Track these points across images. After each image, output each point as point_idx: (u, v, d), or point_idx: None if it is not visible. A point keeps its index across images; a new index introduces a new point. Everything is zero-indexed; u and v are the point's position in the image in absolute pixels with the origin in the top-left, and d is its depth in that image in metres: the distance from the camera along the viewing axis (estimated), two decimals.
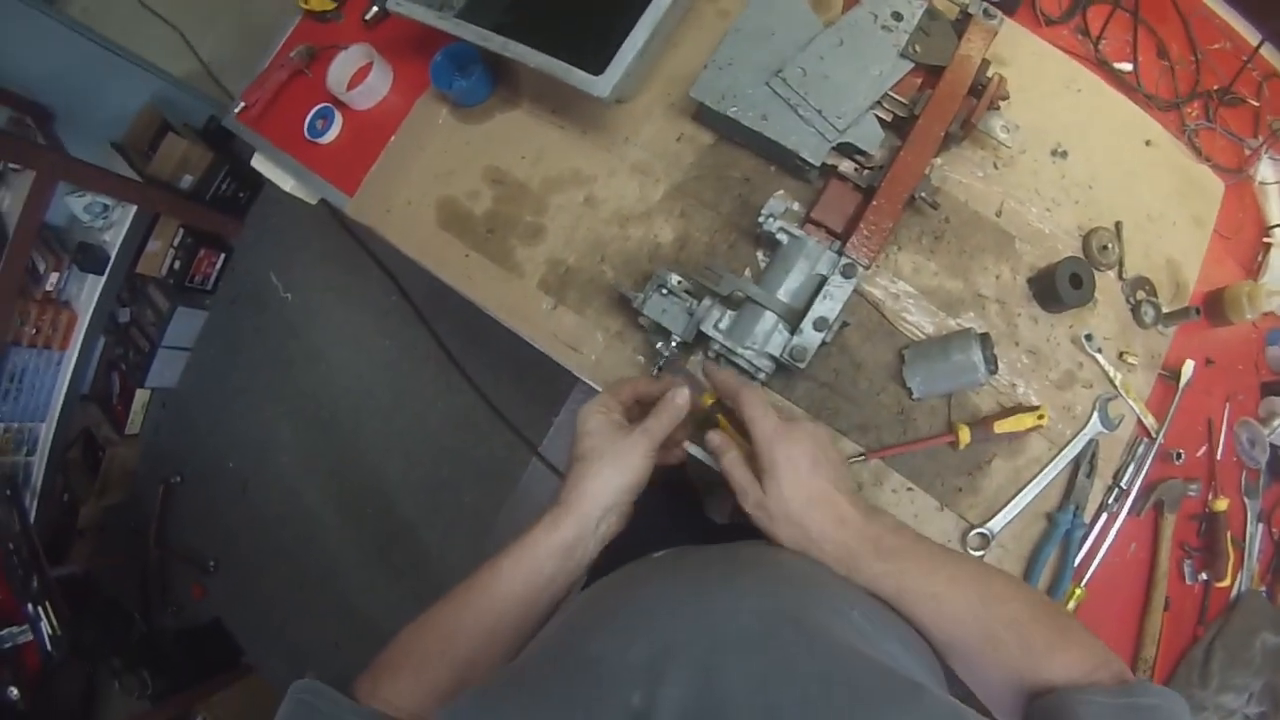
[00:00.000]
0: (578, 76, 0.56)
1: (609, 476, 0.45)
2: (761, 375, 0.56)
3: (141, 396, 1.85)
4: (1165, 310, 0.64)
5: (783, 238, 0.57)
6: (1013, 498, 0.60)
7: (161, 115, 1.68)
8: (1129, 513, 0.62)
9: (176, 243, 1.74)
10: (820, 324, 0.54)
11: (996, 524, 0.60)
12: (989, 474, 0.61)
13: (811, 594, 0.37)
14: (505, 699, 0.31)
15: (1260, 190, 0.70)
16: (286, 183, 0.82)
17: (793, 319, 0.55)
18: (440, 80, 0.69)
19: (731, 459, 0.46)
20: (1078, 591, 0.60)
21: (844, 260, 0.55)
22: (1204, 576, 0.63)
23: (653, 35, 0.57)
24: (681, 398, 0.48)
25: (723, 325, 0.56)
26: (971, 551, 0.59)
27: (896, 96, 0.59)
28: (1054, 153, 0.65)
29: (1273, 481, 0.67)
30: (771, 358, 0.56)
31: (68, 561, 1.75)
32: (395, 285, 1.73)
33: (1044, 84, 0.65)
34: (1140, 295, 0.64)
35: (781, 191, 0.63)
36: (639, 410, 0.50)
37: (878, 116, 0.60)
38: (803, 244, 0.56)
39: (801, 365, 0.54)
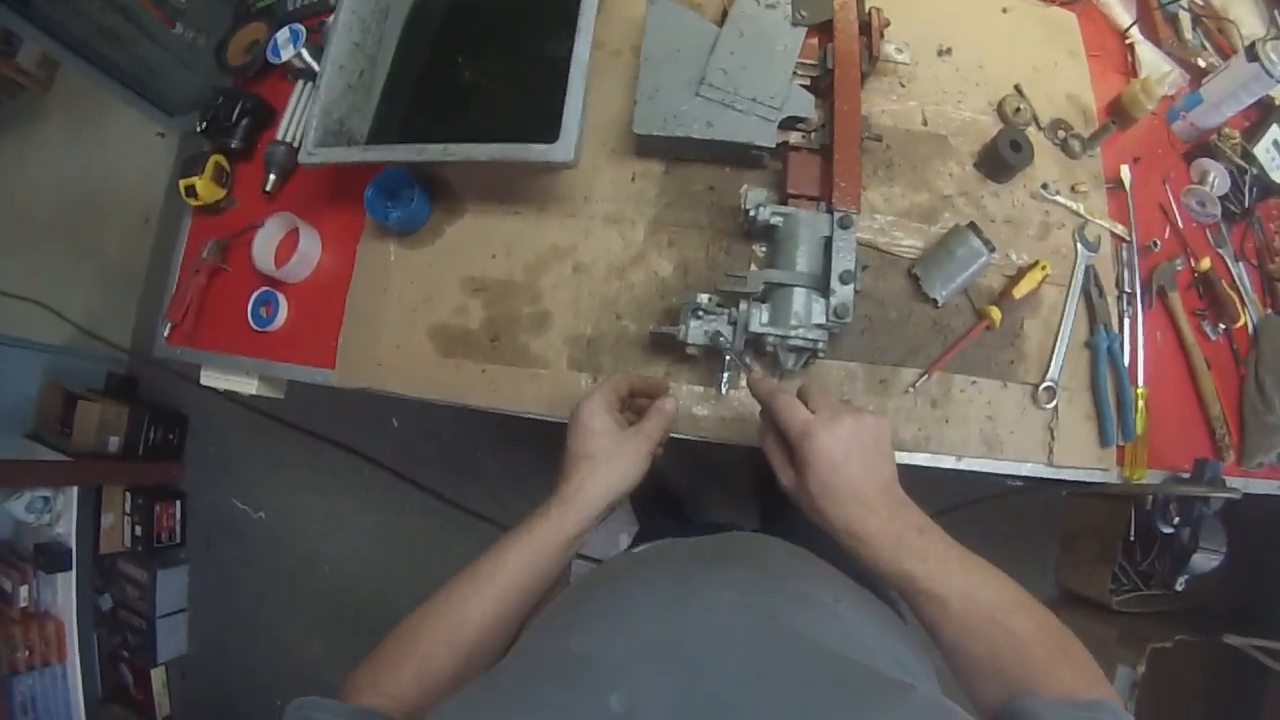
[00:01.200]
0: (536, 150, 0.58)
1: (613, 478, 0.48)
2: (820, 346, 0.60)
3: (158, 675, 1.71)
4: (1085, 136, 0.74)
5: (777, 221, 0.62)
6: (1054, 346, 0.68)
7: (62, 388, 1.59)
8: (1143, 309, 0.71)
9: (129, 509, 1.65)
10: (847, 276, 0.59)
11: (1053, 373, 0.67)
12: (1026, 337, 0.68)
13: (793, 588, 0.38)
14: (485, 702, 0.31)
15: (1102, 3, 0.82)
16: (250, 386, 0.79)
17: (820, 285, 0.60)
18: (378, 214, 0.69)
19: (769, 444, 0.48)
20: (1141, 391, 0.69)
21: (838, 214, 0.60)
22: (1222, 327, 0.74)
23: (585, 89, 0.60)
24: (670, 405, 0.52)
25: (765, 319, 0.60)
26: (1044, 407, 0.67)
27: (806, 61, 0.66)
28: (940, 53, 0.74)
29: (1230, 225, 0.78)
30: (819, 326, 0.60)
31: None
32: (360, 457, 1.70)
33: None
34: (1062, 134, 0.74)
35: (746, 185, 0.68)
36: (630, 403, 0.54)
37: (800, 85, 0.66)
38: (796, 218, 0.61)
39: (847, 320, 0.58)
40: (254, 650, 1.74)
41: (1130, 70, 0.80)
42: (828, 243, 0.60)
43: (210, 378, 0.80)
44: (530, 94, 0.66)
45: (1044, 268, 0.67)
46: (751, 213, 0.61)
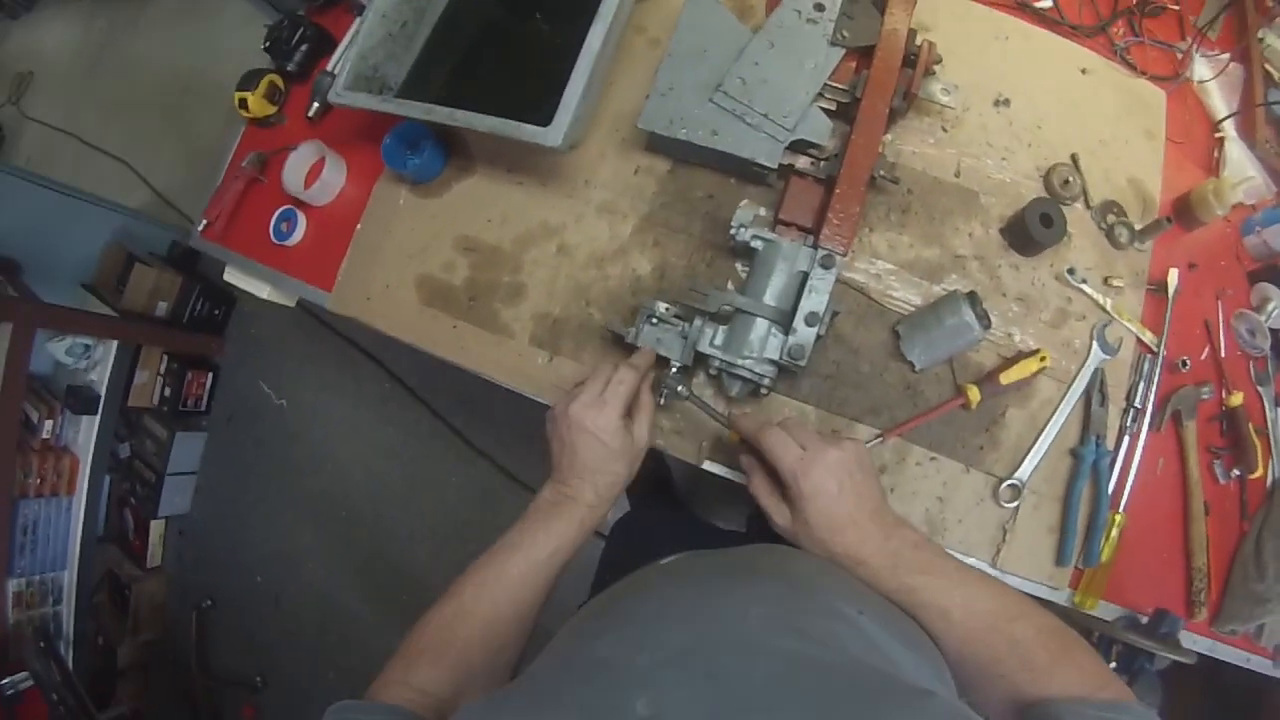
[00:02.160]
0: (528, 131, 0.59)
1: (622, 479, 0.53)
2: (766, 382, 0.58)
3: (157, 528, 1.86)
4: (1138, 227, 0.66)
5: (757, 245, 0.59)
6: (1033, 443, 0.62)
7: (126, 249, 1.72)
8: (1149, 430, 0.64)
9: (163, 370, 1.77)
10: (811, 319, 0.56)
11: (1024, 472, 0.62)
12: (1006, 426, 0.63)
13: (817, 600, 0.38)
14: (510, 702, 0.32)
15: (1200, 89, 0.73)
16: (263, 290, 0.84)
17: (784, 321, 0.57)
18: (394, 162, 0.71)
19: (757, 485, 0.50)
20: (1118, 518, 0.62)
21: (821, 253, 0.57)
22: (1236, 473, 0.65)
23: (591, 77, 0.59)
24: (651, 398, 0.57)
25: (718, 341, 0.58)
26: (1005, 505, 0.62)
27: (836, 85, 0.62)
28: (996, 103, 0.67)
29: (1276, 366, 0.69)
30: (771, 362, 0.58)
31: (114, 704, 1.75)
32: (385, 371, 1.77)
33: (972, 40, 0.68)
34: (1111, 219, 0.66)
35: (746, 201, 0.65)
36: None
37: (822, 108, 0.62)
38: (777, 246, 0.59)
39: (801, 363, 0.56)
40: (248, 526, 1.88)
41: (1213, 168, 0.71)
42: (804, 279, 0.57)
43: (232, 275, 0.86)
44: (549, 72, 0.66)
45: (1043, 359, 0.61)
46: (735, 232, 0.59)
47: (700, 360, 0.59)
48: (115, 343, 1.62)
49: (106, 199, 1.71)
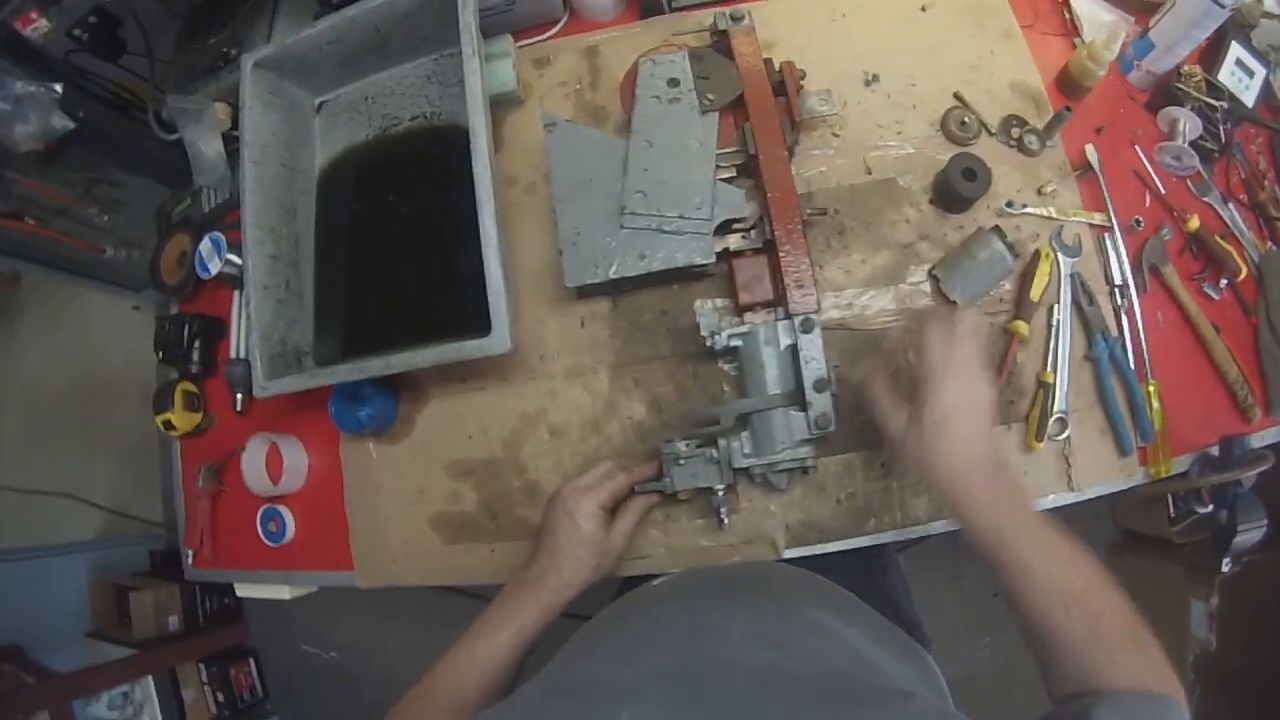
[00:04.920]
0: (473, 347, 0.53)
1: (589, 567, 0.51)
2: (809, 461, 0.55)
3: None
4: (1041, 128, 0.64)
5: (736, 343, 0.55)
6: (1055, 375, 0.61)
7: (111, 583, 1.59)
8: (1138, 296, 0.64)
9: (206, 680, 1.64)
10: (820, 385, 0.53)
11: (1059, 404, 0.61)
12: (1020, 370, 0.61)
13: (800, 614, 0.38)
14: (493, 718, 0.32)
15: None
16: (283, 593, 0.77)
17: (796, 400, 0.54)
18: (347, 425, 0.64)
19: (879, 386, 0.48)
20: (1151, 388, 0.62)
21: (797, 319, 0.53)
22: (1224, 283, 0.65)
23: (503, 265, 0.54)
24: (642, 502, 0.56)
25: (748, 450, 0.55)
26: (1054, 439, 0.61)
27: (725, 151, 0.57)
28: (867, 83, 0.64)
29: (1211, 169, 0.68)
30: (804, 441, 0.55)
31: None
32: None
33: (814, 34, 0.64)
34: (1015, 132, 0.64)
35: (698, 302, 0.61)
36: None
37: (725, 179, 0.58)
38: (755, 335, 0.55)
39: (831, 428, 0.53)
40: None
41: (1071, 29, 0.69)
42: (793, 350, 0.54)
43: (245, 589, 0.79)
44: (459, 269, 0.60)
45: (1046, 256, 0.60)
46: (708, 341, 0.55)
47: (740, 472, 0.56)
48: (149, 677, 1.50)
49: (67, 543, 1.58)
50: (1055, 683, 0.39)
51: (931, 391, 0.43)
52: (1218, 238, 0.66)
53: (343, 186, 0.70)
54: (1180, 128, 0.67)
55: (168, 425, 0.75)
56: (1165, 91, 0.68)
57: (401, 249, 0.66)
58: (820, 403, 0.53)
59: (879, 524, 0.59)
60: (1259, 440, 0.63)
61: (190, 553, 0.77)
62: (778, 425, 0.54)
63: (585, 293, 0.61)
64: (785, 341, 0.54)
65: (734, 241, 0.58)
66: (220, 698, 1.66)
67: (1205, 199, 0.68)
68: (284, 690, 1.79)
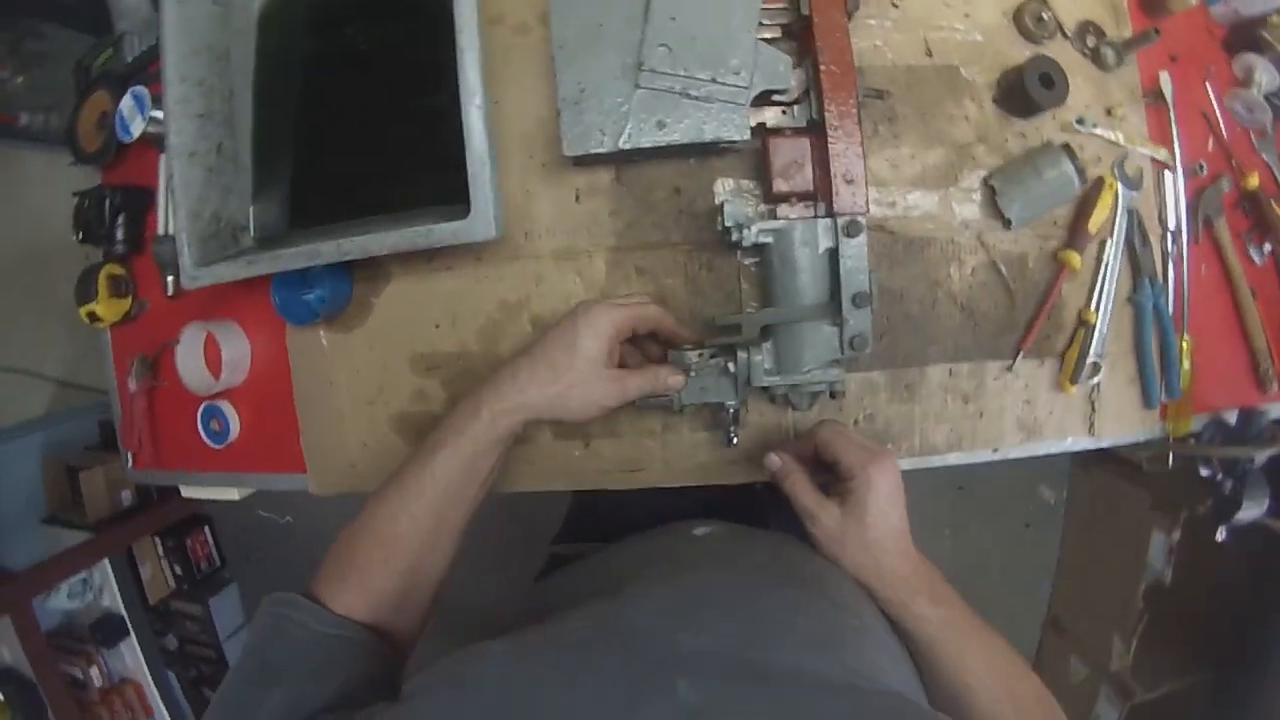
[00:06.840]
0: (447, 232, 0.42)
1: (566, 402, 0.42)
2: (839, 386, 0.47)
3: None
4: (1120, 42, 0.55)
5: (766, 239, 0.46)
6: (1097, 316, 0.54)
7: (62, 462, 1.45)
8: (1188, 246, 0.57)
9: (162, 553, 1.57)
10: (861, 299, 0.44)
11: (1097, 346, 0.54)
12: (1062, 304, 0.54)
13: (853, 619, 0.36)
14: (540, 652, 0.30)
15: None
16: (231, 494, 0.67)
17: (829, 313, 0.45)
18: (295, 314, 0.53)
19: (797, 483, 0.43)
20: (1186, 344, 0.57)
21: (842, 221, 0.44)
22: (1268, 248, 0.60)
23: (487, 132, 0.42)
24: (676, 382, 0.45)
25: (769, 365, 0.47)
26: (1089, 382, 0.55)
27: (773, 6, 0.46)
28: None
29: (1274, 129, 0.62)
30: (835, 362, 0.46)
31: None
32: None
33: None
34: (1092, 40, 0.55)
35: (719, 182, 0.50)
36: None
37: (766, 41, 0.46)
38: (790, 234, 0.45)
39: (867, 350, 0.45)
40: None
41: None
42: (832, 255, 0.45)
43: (190, 491, 0.68)
44: (430, 127, 0.47)
45: (1110, 185, 0.52)
46: (734, 235, 0.45)
47: (758, 391, 0.48)
48: (106, 560, 1.41)
49: (17, 424, 1.42)
50: None
51: (865, 492, 0.40)
52: (1271, 200, 0.59)
53: (289, 25, 0.55)
54: (1257, 76, 0.59)
55: (93, 317, 0.63)
56: (1245, 35, 0.60)
57: (361, 100, 0.53)
58: (859, 320, 0.44)
59: (897, 451, 0.53)
60: (1275, 412, 0.59)
61: (130, 454, 0.66)
62: (807, 341, 0.46)
63: (584, 161, 0.49)
64: (825, 244, 0.45)
65: (771, 116, 0.47)
66: (178, 570, 1.61)
67: (1265, 158, 0.61)
68: (241, 556, 1.74)
